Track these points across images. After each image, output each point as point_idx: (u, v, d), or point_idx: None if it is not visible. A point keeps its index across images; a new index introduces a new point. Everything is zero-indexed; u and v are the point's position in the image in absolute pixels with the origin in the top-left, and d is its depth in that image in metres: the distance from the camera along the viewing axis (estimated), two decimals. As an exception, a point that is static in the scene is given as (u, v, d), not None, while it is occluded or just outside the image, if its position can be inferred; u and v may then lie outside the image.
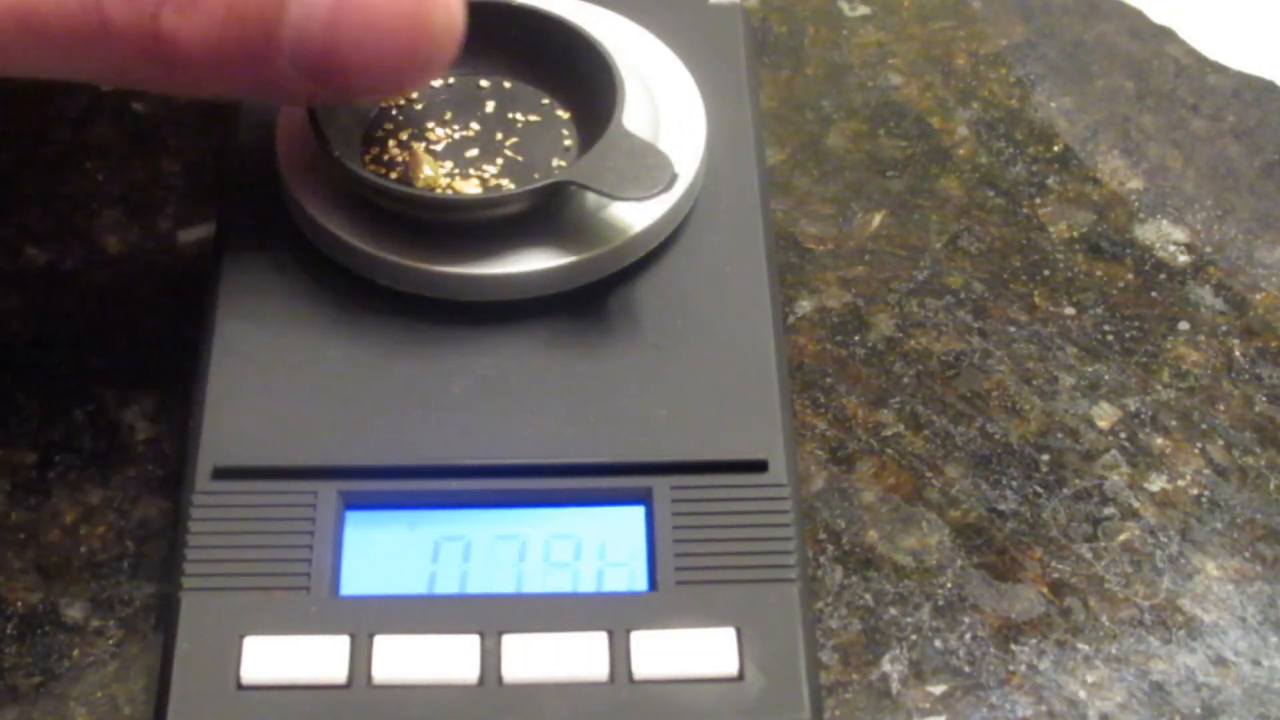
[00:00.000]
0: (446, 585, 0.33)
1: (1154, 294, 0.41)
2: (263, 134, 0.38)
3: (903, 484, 0.37)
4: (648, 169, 0.34)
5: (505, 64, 0.38)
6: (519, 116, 0.38)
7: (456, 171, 0.36)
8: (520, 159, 0.37)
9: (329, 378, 0.35)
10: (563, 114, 0.38)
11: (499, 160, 0.37)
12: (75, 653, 0.34)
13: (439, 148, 0.37)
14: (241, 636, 0.31)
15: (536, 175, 0.36)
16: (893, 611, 0.35)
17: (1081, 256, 0.41)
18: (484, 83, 0.38)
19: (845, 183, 0.43)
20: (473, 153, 0.37)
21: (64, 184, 0.42)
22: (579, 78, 0.37)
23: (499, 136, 0.37)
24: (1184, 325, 0.40)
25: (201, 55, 0.31)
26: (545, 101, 0.38)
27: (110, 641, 0.34)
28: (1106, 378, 0.39)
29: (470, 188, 0.36)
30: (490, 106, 0.38)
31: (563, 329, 0.36)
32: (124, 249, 0.40)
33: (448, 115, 0.38)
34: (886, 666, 0.34)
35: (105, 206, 0.41)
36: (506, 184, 0.36)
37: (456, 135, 0.37)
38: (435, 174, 0.36)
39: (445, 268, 0.35)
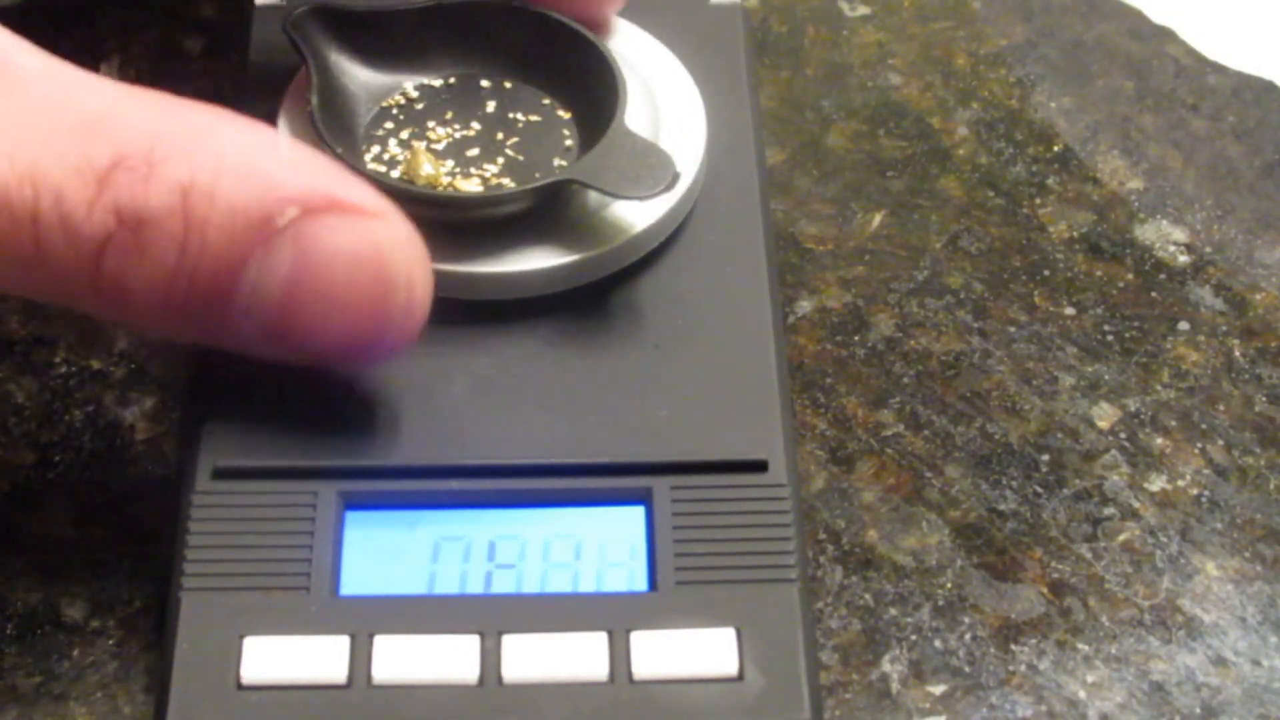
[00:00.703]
0: (446, 585, 0.33)
1: (1154, 294, 0.41)
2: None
3: (903, 484, 0.37)
4: (650, 168, 0.34)
5: (507, 64, 0.38)
6: (520, 116, 0.38)
7: (457, 170, 0.36)
8: (521, 158, 0.37)
9: (329, 377, 0.34)
10: (564, 114, 0.38)
11: (500, 159, 0.37)
12: (75, 653, 0.34)
13: (440, 147, 0.37)
14: (241, 636, 0.31)
15: (538, 174, 0.36)
16: (893, 611, 0.35)
17: (1081, 256, 0.41)
18: (485, 83, 0.38)
19: (845, 183, 0.43)
20: (473, 152, 0.37)
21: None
22: (580, 78, 0.37)
23: (500, 136, 0.37)
24: (1184, 325, 0.40)
25: (149, 301, 0.29)
26: (546, 102, 0.38)
27: (110, 641, 0.34)
28: (1106, 378, 0.39)
29: (471, 186, 0.36)
30: (491, 106, 0.38)
31: (563, 329, 0.36)
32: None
33: (449, 115, 0.38)
34: (886, 666, 0.34)
35: (105, 206, 0.41)
36: (508, 183, 0.36)
37: (457, 135, 0.37)
38: (436, 173, 0.36)
39: (445, 267, 0.35)
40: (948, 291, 0.40)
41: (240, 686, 0.31)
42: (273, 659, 0.31)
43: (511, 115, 0.38)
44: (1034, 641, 0.35)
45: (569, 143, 0.37)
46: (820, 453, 0.37)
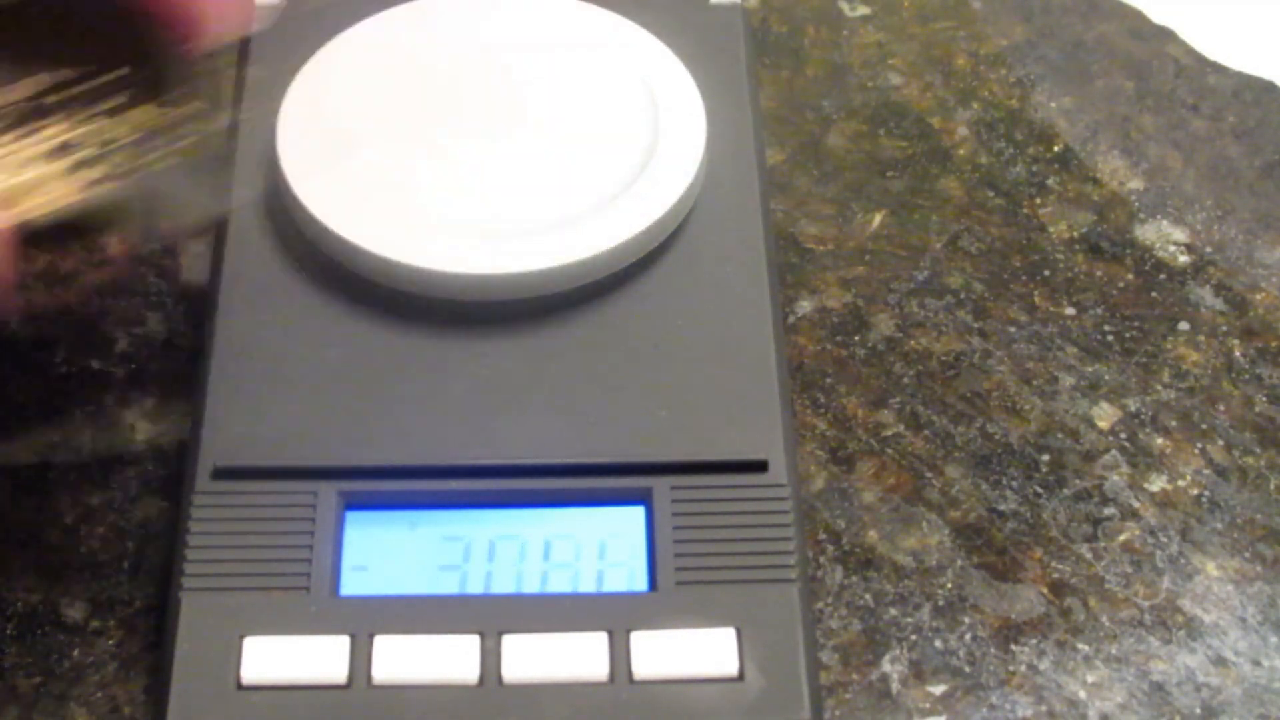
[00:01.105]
0: (446, 585, 0.33)
1: (1154, 294, 0.41)
2: (264, 131, 0.38)
3: (903, 484, 0.37)
4: None
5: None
6: None
7: None
8: None
9: (329, 378, 0.35)
10: None
11: None
12: (75, 653, 0.34)
13: None
14: (241, 636, 0.31)
15: None
16: (893, 611, 0.35)
17: (1081, 256, 0.41)
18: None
19: (845, 183, 0.43)
20: None
21: (64, 184, 0.42)
22: None
23: None
24: (1184, 325, 0.40)
25: None
26: None
27: (110, 641, 0.34)
28: (1106, 378, 0.39)
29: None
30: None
31: (563, 329, 0.36)
32: (124, 249, 0.40)
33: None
34: (886, 666, 0.34)
35: (105, 206, 0.41)
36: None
37: None
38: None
39: (445, 268, 0.35)
40: (948, 291, 0.40)
41: (240, 686, 0.31)
42: (273, 659, 0.31)
43: None
44: (1034, 641, 0.35)
45: None
46: (820, 453, 0.37)
